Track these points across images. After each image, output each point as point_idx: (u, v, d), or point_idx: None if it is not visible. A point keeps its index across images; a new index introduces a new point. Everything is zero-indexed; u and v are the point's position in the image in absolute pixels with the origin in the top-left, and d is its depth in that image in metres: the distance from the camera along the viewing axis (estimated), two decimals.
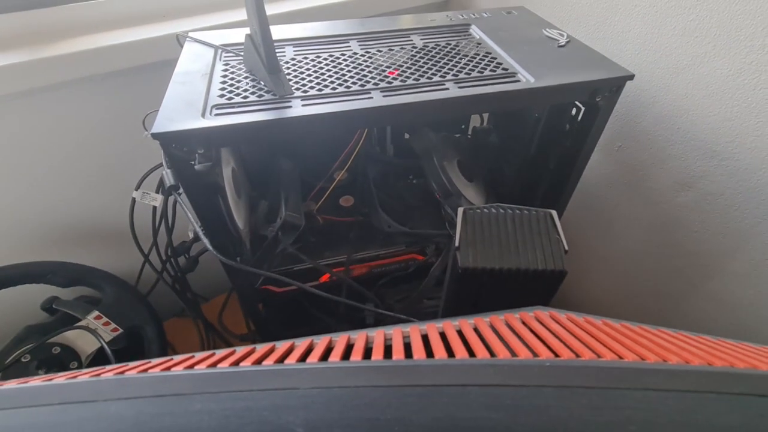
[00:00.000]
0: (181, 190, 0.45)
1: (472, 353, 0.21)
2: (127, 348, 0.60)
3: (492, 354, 0.21)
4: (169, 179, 0.45)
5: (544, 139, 0.52)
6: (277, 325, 0.62)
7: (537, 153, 0.54)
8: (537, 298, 0.38)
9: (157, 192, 0.56)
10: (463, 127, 0.66)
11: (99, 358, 0.58)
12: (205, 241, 0.43)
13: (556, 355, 0.20)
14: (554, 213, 0.37)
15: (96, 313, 0.59)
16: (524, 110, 0.54)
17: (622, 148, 0.61)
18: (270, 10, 0.62)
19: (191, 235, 0.62)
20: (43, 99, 0.54)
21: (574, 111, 0.47)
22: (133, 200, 0.55)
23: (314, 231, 0.55)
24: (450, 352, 0.21)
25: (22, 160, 0.57)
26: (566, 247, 0.35)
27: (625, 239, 0.67)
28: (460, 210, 0.37)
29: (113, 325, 0.59)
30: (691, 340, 0.25)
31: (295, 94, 0.37)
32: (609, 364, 0.19)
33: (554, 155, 0.52)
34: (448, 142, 0.57)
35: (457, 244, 0.35)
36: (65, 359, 0.55)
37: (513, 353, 0.21)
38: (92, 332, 0.55)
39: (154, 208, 0.58)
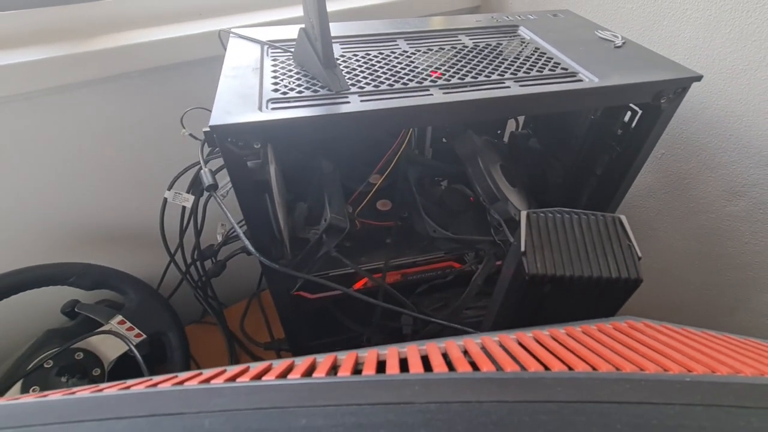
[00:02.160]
0: (218, 190, 0.44)
1: (591, 366, 0.19)
2: (149, 355, 0.58)
3: (615, 368, 0.19)
4: (207, 178, 0.44)
5: (593, 145, 0.50)
6: (305, 333, 0.59)
7: (584, 158, 0.52)
8: (603, 309, 0.36)
9: (188, 192, 0.55)
10: (499, 132, 0.65)
11: (121, 365, 0.56)
12: (246, 242, 0.41)
13: (688, 371, 0.18)
14: (623, 217, 0.35)
15: (119, 317, 0.57)
16: (569, 114, 0.52)
17: (665, 156, 0.59)
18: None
19: (220, 239, 0.60)
20: (75, 96, 0.53)
21: (627, 116, 0.45)
22: (165, 200, 0.53)
23: (351, 235, 0.53)
24: (565, 364, 0.19)
25: (48, 158, 0.56)
26: (639, 254, 0.33)
27: (668, 250, 0.65)
28: (524, 213, 0.35)
29: (137, 331, 0.57)
30: None
31: (351, 90, 0.36)
32: (756, 380, 0.17)
33: (603, 161, 0.50)
34: (490, 146, 0.55)
35: (523, 248, 0.33)
36: (88, 365, 0.53)
37: (639, 368, 0.18)
38: (120, 337, 0.53)
39: (183, 208, 0.57)
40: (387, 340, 0.56)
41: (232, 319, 0.77)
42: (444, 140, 0.60)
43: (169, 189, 0.53)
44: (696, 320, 0.66)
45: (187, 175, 0.54)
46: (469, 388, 0.16)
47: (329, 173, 0.49)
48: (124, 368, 0.56)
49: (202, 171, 0.45)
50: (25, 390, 0.49)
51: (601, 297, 0.34)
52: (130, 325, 0.57)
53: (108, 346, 0.55)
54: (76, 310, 0.58)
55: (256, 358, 0.70)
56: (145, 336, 0.57)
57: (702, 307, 0.64)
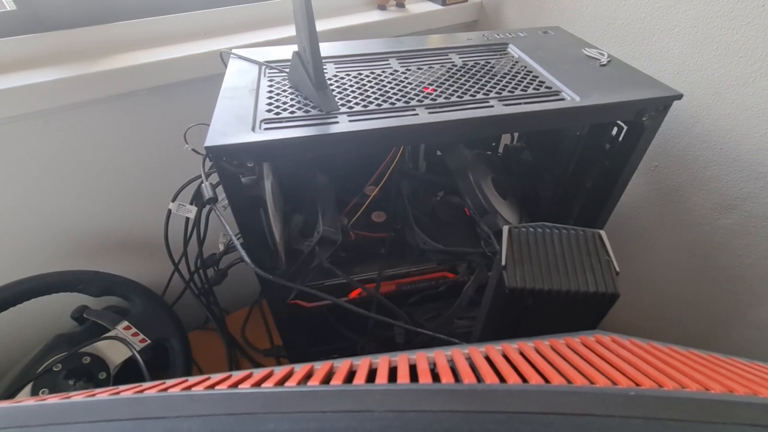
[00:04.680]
0: (218, 203, 0.46)
1: (545, 378, 0.20)
2: (153, 360, 0.60)
3: (567, 380, 0.20)
4: (208, 192, 0.46)
5: (583, 158, 0.51)
6: (303, 341, 0.61)
7: (574, 172, 0.53)
8: (584, 322, 0.37)
9: (191, 204, 0.57)
10: (493, 144, 0.66)
11: (126, 369, 0.58)
12: (243, 253, 0.43)
13: (636, 384, 0.19)
14: (603, 233, 0.36)
15: (125, 323, 0.59)
16: (561, 128, 0.53)
17: (658, 168, 0.60)
18: None
19: (221, 248, 0.62)
20: (86, 113, 0.56)
21: (614, 130, 0.46)
22: (169, 212, 0.55)
23: (345, 246, 0.55)
24: (521, 376, 0.20)
25: (61, 171, 0.59)
26: (617, 269, 0.34)
27: (662, 262, 0.65)
28: (505, 228, 0.36)
29: (141, 336, 0.59)
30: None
31: (341, 110, 0.37)
32: (696, 395, 0.18)
33: (592, 175, 0.51)
34: (481, 159, 0.57)
35: (503, 263, 0.34)
36: (94, 369, 0.55)
37: (590, 380, 0.20)
38: (125, 342, 0.55)
39: (187, 219, 0.59)
40: (380, 348, 0.58)
41: (235, 325, 0.79)
42: (438, 153, 0.62)
43: (173, 201, 0.55)
44: (690, 333, 0.66)
45: (191, 187, 0.56)
46: (426, 399, 0.18)
47: (324, 186, 0.51)
48: (129, 372, 0.58)
49: (203, 185, 0.47)
50: (35, 392, 0.51)
51: (580, 310, 0.35)
52: (136, 330, 0.59)
53: (114, 350, 0.57)
54: (84, 315, 0.60)
55: (257, 364, 0.72)
56: (149, 341, 0.59)
57: (697, 320, 0.64)
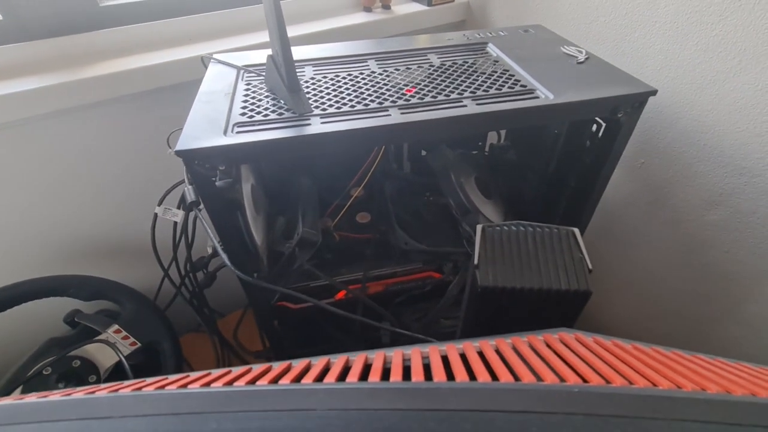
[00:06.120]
0: (201, 206, 0.46)
1: (495, 376, 0.20)
2: (144, 362, 0.60)
3: (516, 378, 0.20)
4: (191, 195, 0.47)
5: (564, 156, 0.51)
6: (292, 342, 0.61)
7: (556, 170, 0.53)
8: (560, 320, 0.37)
9: (178, 208, 0.58)
10: (480, 144, 0.66)
11: (117, 372, 0.58)
12: (224, 256, 0.43)
13: (585, 381, 0.19)
14: (576, 231, 0.36)
15: (115, 326, 0.60)
16: (543, 127, 0.53)
17: (644, 165, 0.60)
18: (291, 32, 0.65)
19: (210, 251, 0.63)
20: (72, 119, 0.57)
21: (594, 127, 0.46)
22: (155, 216, 0.56)
23: (330, 248, 0.55)
24: (472, 375, 0.20)
25: (48, 178, 0.60)
26: (590, 267, 0.34)
27: (650, 259, 0.65)
28: (479, 227, 0.36)
29: (132, 339, 0.60)
30: (731, 367, 0.23)
31: (314, 112, 0.38)
32: (642, 391, 0.18)
33: (574, 172, 0.51)
34: (465, 159, 0.57)
35: (476, 262, 0.35)
36: (84, 372, 0.56)
37: (538, 378, 0.20)
38: (111, 346, 0.56)
39: (175, 223, 0.60)
40: (367, 348, 0.58)
41: (228, 327, 0.79)
42: (423, 153, 0.62)
43: (159, 205, 0.56)
44: (679, 331, 0.65)
45: (177, 191, 0.57)
46: (369, 397, 0.18)
47: (306, 188, 0.51)
48: (120, 375, 0.59)
49: (185, 188, 0.47)
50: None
51: (553, 308, 0.35)
52: (126, 333, 0.60)
53: (104, 354, 0.58)
54: (76, 319, 0.61)
55: None
56: (139, 344, 0.60)
57: (686, 318, 0.63)
